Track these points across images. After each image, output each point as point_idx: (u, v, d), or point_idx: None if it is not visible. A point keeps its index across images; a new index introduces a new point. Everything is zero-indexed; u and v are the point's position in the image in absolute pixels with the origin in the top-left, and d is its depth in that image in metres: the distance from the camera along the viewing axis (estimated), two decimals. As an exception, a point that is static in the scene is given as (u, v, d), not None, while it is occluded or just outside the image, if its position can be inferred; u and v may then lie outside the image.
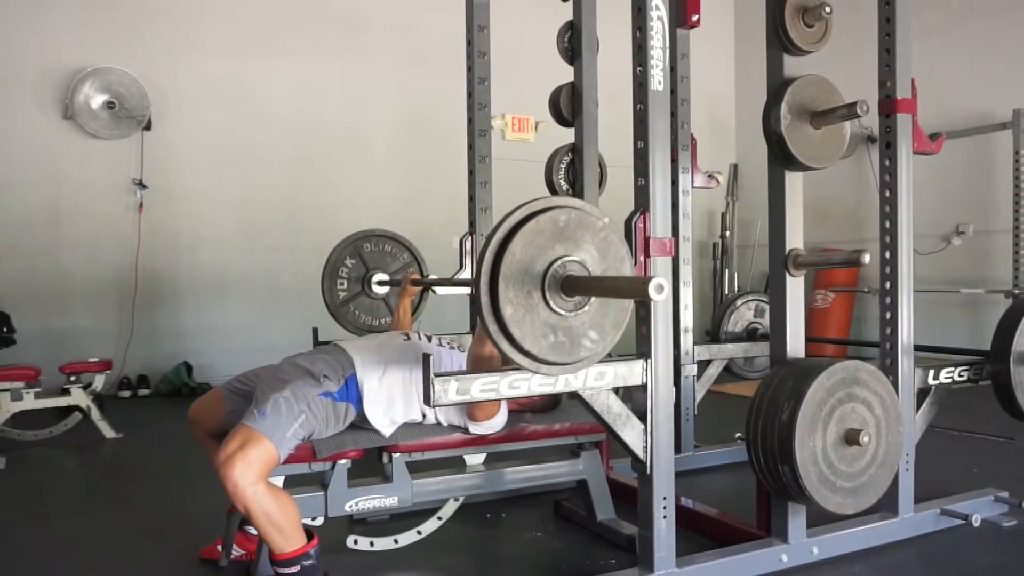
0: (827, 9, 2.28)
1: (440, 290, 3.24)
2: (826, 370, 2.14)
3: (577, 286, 1.78)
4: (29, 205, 5.74)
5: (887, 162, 2.53)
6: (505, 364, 1.95)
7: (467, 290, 3.31)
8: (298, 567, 1.97)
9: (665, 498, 2.09)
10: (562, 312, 1.79)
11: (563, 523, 2.78)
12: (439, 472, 2.46)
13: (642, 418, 2.07)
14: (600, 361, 2.00)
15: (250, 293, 6.36)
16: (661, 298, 1.64)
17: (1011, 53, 6.23)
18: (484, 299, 1.74)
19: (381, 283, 3.55)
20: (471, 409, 2.30)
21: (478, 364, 2.08)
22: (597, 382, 1.98)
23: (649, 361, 2.07)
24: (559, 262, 1.78)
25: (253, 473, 1.93)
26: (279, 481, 2.12)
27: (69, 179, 5.85)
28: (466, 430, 2.40)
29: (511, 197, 1.80)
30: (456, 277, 3.30)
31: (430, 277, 3.47)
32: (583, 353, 1.84)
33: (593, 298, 1.84)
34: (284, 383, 2.16)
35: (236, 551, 2.39)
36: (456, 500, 2.51)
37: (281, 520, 1.96)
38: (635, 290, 1.73)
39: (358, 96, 6.72)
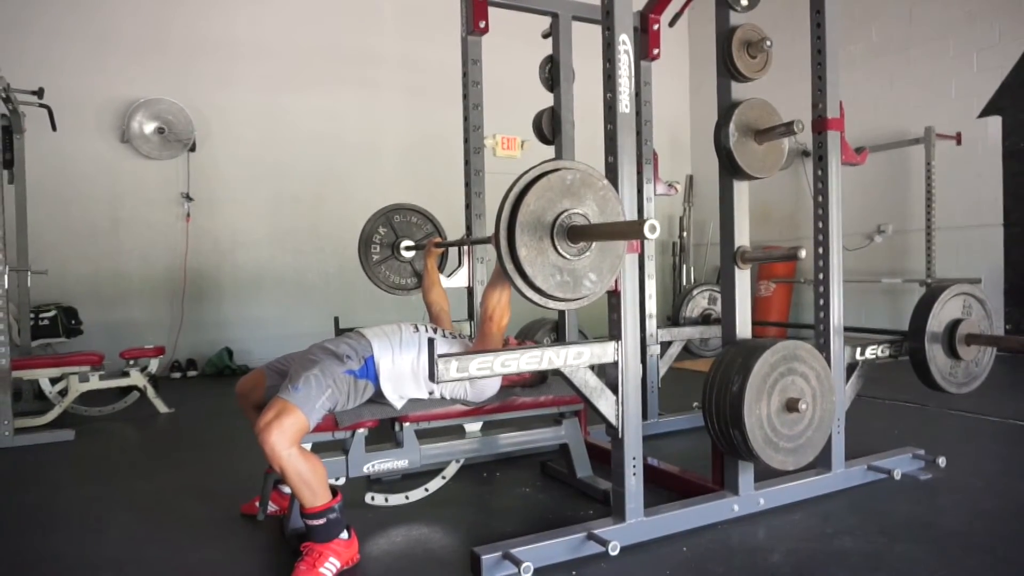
0: (768, 43, 2.28)
1: (445, 283, 3.22)
2: (769, 348, 2.13)
3: (582, 233, 1.79)
4: (93, 216, 5.70)
5: (819, 172, 2.52)
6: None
7: (464, 284, 3.30)
8: (324, 519, 1.96)
9: (634, 458, 2.09)
10: (567, 256, 1.81)
11: (548, 480, 2.78)
12: (443, 438, 2.45)
13: (614, 391, 2.06)
14: (578, 343, 2.00)
15: (281, 288, 6.33)
16: (654, 236, 1.61)
17: (923, 79, 6.24)
18: (503, 243, 1.74)
19: (408, 248, 3.52)
20: (490, 319, 2.23)
21: (489, 298, 2.21)
22: (576, 360, 1.97)
23: (620, 342, 2.06)
24: (566, 214, 1.80)
25: (287, 438, 1.92)
26: (307, 447, 2.11)
27: (126, 194, 5.80)
28: (466, 402, 2.39)
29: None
30: (454, 273, 3.28)
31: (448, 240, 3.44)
32: (584, 292, 1.86)
33: (594, 245, 1.85)
34: (314, 363, 2.15)
35: (271, 507, 2.39)
36: (458, 462, 2.51)
37: (311, 479, 1.94)
38: (633, 231, 1.69)
39: (371, 120, 6.68)
